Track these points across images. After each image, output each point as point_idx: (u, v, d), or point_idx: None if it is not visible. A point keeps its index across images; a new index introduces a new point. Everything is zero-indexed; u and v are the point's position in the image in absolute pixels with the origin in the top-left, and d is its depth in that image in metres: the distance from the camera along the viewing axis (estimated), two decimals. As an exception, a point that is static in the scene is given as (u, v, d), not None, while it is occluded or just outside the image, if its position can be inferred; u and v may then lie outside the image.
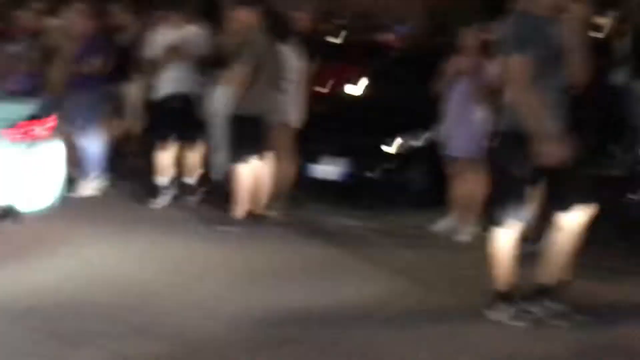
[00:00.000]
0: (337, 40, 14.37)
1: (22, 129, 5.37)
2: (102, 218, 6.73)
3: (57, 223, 6.00)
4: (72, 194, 7.06)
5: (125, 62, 7.60)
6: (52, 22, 8.12)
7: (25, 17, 7.96)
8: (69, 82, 7.40)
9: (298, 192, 7.12)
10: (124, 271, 5.40)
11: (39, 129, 5.46)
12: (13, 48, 7.86)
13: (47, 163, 5.54)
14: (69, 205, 6.16)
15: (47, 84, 7.50)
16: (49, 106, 5.84)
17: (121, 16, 8.22)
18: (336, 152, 7.53)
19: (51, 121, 5.60)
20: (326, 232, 6.56)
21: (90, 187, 7.47)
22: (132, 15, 8.25)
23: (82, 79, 7.32)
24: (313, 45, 7.16)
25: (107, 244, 6.04)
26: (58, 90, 7.37)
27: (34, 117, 5.48)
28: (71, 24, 7.56)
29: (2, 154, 5.23)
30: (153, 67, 7.16)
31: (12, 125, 5.33)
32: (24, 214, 5.41)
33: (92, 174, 7.52)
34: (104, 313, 4.55)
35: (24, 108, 5.56)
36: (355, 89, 9.59)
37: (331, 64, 9.40)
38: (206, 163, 7.47)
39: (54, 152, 5.62)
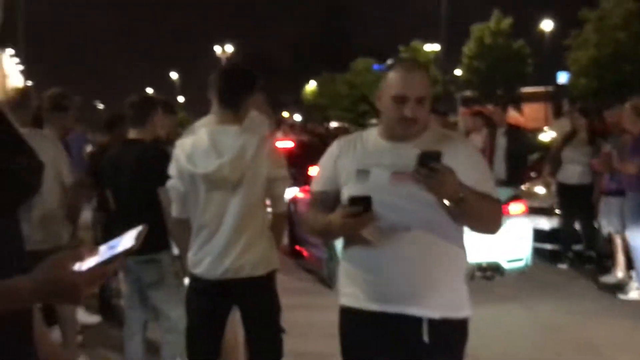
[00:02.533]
0: None
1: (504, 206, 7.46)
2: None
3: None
4: (622, 296, 7.36)
5: None
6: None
7: (613, 114, 8.22)
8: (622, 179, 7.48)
9: None
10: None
11: (512, 208, 7.69)
12: (605, 147, 8.10)
13: (513, 236, 7.54)
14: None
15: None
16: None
17: None
18: None
19: (522, 205, 7.87)
20: None
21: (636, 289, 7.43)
22: None
23: (633, 178, 7.26)
24: None
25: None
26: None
27: (510, 200, 7.73)
28: (624, 120, 7.55)
29: None
30: None
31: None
32: (505, 270, 7.55)
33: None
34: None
35: (509, 191, 8.00)
36: None
37: None
38: None
39: (522, 228, 7.71)
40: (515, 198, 7.88)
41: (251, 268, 3.66)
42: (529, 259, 7.71)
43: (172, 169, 3.76)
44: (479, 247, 7.10)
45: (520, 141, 10.03)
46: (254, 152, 3.61)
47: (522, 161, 9.75)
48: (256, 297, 3.73)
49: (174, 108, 5.05)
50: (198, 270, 3.73)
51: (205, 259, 3.68)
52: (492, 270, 7.46)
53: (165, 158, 4.49)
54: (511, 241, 7.47)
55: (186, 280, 5.64)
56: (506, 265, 7.52)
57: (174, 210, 3.81)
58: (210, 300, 3.75)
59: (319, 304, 7.13)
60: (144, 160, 4.44)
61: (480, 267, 7.40)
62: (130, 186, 4.48)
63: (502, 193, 7.31)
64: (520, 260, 7.61)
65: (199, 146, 3.65)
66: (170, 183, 3.78)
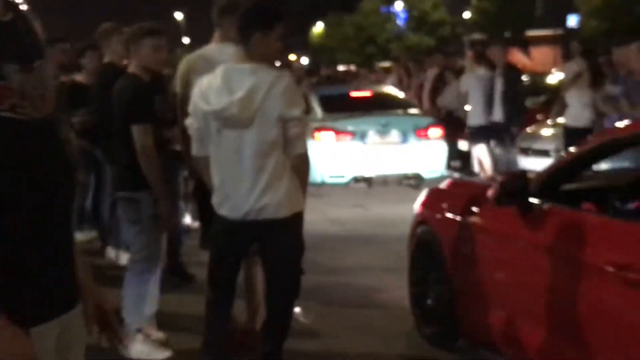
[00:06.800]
0: None
1: (423, 131, 10.41)
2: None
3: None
4: None
5: None
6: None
7: (621, 54, 7.70)
8: None
9: None
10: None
11: (431, 132, 10.45)
12: (612, 89, 7.93)
13: (431, 153, 10.38)
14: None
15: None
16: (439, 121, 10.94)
17: None
18: None
19: (440, 130, 10.50)
20: None
21: None
22: None
23: None
24: None
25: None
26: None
27: (430, 125, 10.51)
28: (632, 61, 7.35)
29: (416, 145, 10.36)
30: None
31: (419, 129, 10.41)
32: (424, 178, 10.09)
33: None
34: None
35: (427, 120, 10.74)
36: None
37: None
38: None
39: (437, 147, 10.47)
40: (433, 124, 10.52)
41: (274, 210, 3.63)
42: (443, 171, 10.35)
43: (190, 107, 3.78)
44: (405, 162, 10.14)
45: (517, 82, 9.93)
46: (266, 90, 3.56)
47: (519, 102, 9.76)
48: (278, 239, 3.70)
49: None
50: (221, 211, 3.75)
51: (227, 199, 3.70)
52: (415, 179, 10.16)
53: (137, 95, 4.46)
54: (430, 157, 10.28)
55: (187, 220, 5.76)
56: (426, 176, 10.10)
57: (193, 149, 3.83)
58: (233, 238, 3.79)
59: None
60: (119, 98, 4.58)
61: (406, 177, 10.24)
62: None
63: (423, 121, 10.60)
64: (437, 171, 10.23)
65: (213, 84, 3.64)
66: (187, 121, 3.83)
